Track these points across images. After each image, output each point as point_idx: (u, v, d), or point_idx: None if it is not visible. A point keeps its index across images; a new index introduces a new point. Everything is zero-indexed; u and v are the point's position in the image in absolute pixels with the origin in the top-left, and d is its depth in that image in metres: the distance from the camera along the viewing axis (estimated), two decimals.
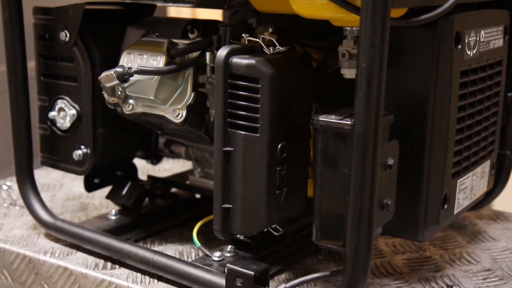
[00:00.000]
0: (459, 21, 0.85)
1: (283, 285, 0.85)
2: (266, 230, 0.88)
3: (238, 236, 0.89)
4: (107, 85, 0.93)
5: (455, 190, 0.92)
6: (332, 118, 0.80)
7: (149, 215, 1.14)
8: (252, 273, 0.85)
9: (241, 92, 0.81)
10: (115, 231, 1.05)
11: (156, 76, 0.92)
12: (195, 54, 0.92)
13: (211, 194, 0.86)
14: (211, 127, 0.95)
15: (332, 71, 0.89)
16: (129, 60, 0.95)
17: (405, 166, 0.85)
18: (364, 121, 0.70)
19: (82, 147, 1.03)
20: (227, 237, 0.86)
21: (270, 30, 0.88)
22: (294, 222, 0.99)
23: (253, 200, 0.83)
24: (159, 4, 1.04)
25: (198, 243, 0.97)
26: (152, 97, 0.93)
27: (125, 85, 0.94)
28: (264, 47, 0.84)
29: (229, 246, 0.97)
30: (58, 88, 1.04)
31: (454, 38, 0.84)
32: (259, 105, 0.80)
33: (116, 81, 0.92)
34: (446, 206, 0.90)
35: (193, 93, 0.93)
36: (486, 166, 1.01)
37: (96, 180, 1.12)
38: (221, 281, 0.88)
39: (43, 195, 1.12)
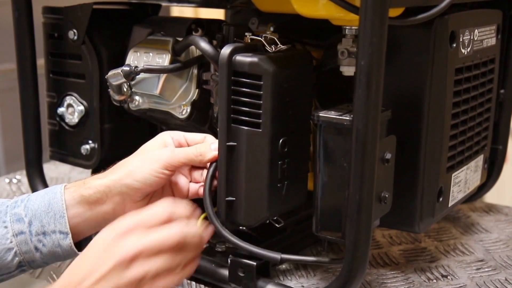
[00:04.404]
0: (454, 21, 0.86)
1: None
2: (268, 221, 0.89)
3: (241, 227, 0.90)
4: (114, 83, 0.95)
5: (449, 183, 0.93)
6: (331, 114, 0.81)
7: None
8: (254, 263, 0.87)
9: (244, 89, 0.82)
10: None
11: (162, 74, 0.95)
12: (199, 52, 0.94)
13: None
14: (214, 123, 0.97)
15: (331, 68, 0.90)
16: (135, 58, 0.97)
17: (402, 160, 0.85)
18: (362, 117, 0.71)
19: (90, 141, 1.05)
20: (230, 228, 0.87)
21: (272, 29, 0.88)
22: (294, 214, 1.01)
23: (256, 193, 0.84)
24: (164, 4, 1.06)
25: None
26: (157, 94, 0.95)
27: (132, 82, 0.96)
28: (266, 45, 0.85)
29: None
30: (66, 85, 1.06)
31: (449, 36, 0.85)
32: (261, 102, 0.81)
33: (123, 79, 0.93)
34: (441, 199, 0.91)
35: (197, 90, 0.95)
36: (479, 160, 1.03)
37: None
38: (224, 271, 0.90)
39: None
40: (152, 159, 0.84)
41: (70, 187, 0.83)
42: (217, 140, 0.86)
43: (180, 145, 0.88)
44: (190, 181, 0.90)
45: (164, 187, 0.88)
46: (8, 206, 0.81)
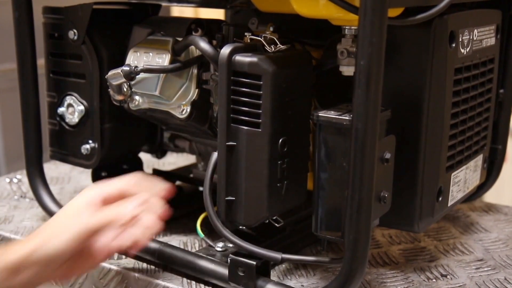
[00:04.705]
0: (453, 21, 0.86)
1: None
2: (267, 221, 0.89)
3: (241, 227, 0.90)
4: (114, 83, 0.95)
5: (449, 183, 0.93)
6: (331, 114, 0.81)
7: None
8: (254, 263, 0.87)
9: (244, 89, 0.82)
10: None
11: (162, 74, 0.95)
12: (198, 52, 0.94)
13: (214, 187, 0.87)
14: (214, 122, 0.97)
15: (331, 68, 0.90)
16: (135, 58, 0.97)
17: (401, 160, 0.86)
18: (362, 117, 0.72)
19: (90, 141, 1.05)
20: (230, 228, 0.88)
21: (271, 29, 0.89)
22: (294, 213, 1.01)
23: (255, 192, 0.84)
24: (164, 4, 1.06)
25: (201, 234, 0.98)
26: (157, 94, 0.95)
27: (132, 82, 0.96)
28: (266, 45, 0.85)
29: None
30: (66, 85, 1.06)
31: (448, 36, 0.86)
32: (261, 101, 0.82)
33: (123, 79, 0.93)
34: (440, 199, 0.91)
35: (197, 90, 0.95)
36: (478, 160, 1.03)
37: (103, 174, 1.14)
38: (224, 270, 0.90)
39: (52, 188, 1.14)
40: (68, 228, 0.81)
41: None
42: (137, 198, 0.82)
43: (109, 199, 0.84)
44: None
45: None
46: None
